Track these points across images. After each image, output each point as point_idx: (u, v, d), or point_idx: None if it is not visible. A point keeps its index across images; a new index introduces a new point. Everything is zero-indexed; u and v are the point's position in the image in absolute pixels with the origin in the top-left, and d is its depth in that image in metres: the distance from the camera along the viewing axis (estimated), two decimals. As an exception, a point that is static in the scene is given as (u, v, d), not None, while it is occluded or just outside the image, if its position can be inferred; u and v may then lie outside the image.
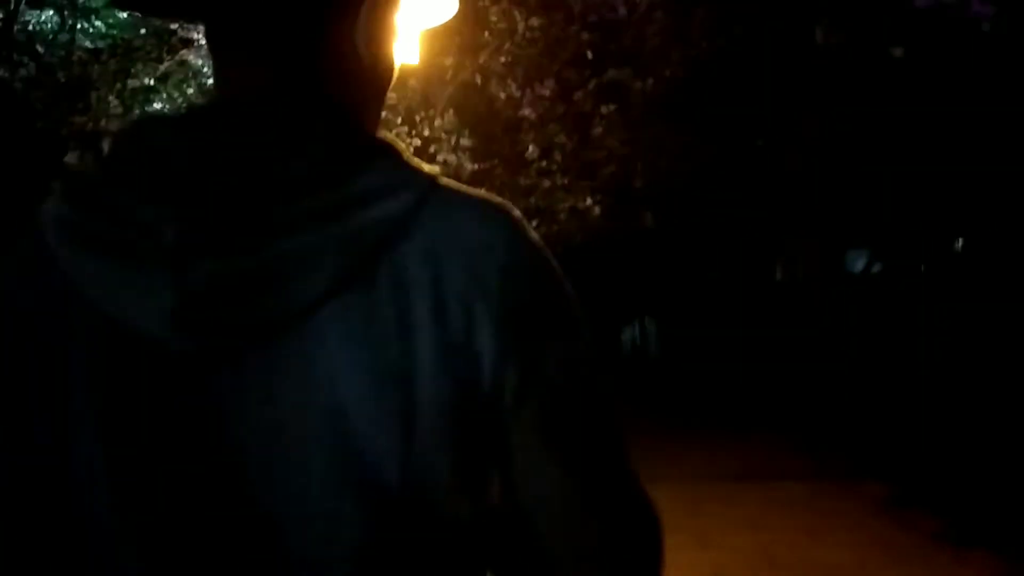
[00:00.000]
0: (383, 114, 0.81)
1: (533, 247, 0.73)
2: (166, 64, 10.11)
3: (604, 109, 10.59)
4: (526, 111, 10.49)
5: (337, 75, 0.73)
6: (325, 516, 0.64)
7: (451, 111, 10.40)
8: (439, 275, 0.65)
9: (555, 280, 0.73)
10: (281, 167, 0.64)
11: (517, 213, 0.73)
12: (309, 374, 0.63)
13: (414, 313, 0.64)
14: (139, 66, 10.08)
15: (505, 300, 0.67)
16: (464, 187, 0.73)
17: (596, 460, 0.76)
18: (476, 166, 10.19)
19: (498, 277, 0.67)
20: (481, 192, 0.74)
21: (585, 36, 10.74)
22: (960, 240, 16.83)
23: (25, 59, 10.30)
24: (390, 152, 0.70)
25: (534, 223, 11.09)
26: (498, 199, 0.74)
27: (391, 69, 0.78)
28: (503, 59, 10.28)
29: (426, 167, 0.71)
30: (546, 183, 10.22)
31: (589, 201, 10.71)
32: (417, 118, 10.32)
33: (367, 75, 0.75)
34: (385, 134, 0.74)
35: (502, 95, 10.45)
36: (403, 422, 0.64)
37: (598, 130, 10.72)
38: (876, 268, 19.17)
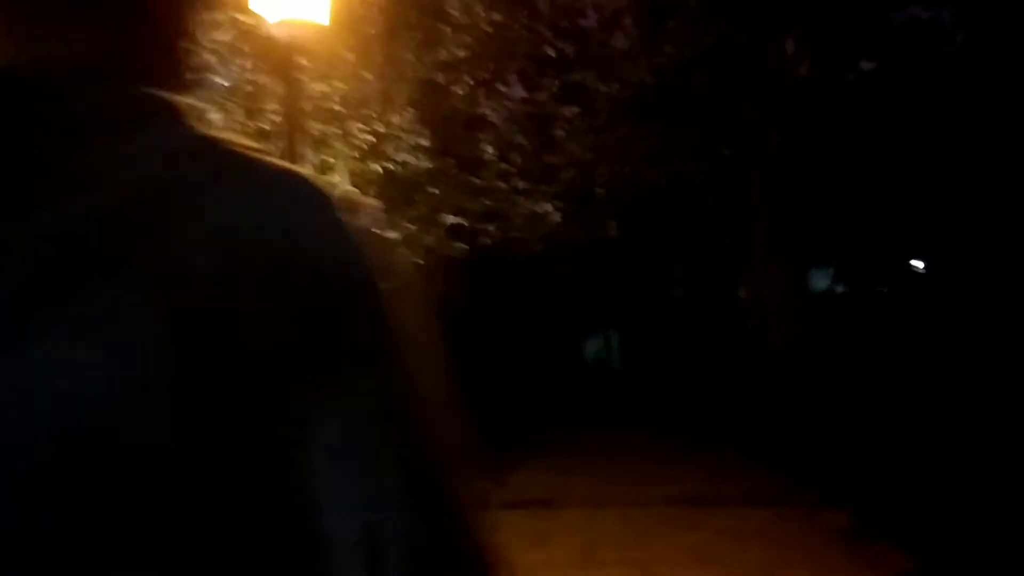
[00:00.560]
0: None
1: (351, 239, 0.53)
2: None
3: (567, 112, 10.04)
4: (485, 110, 9.86)
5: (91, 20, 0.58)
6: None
7: (409, 108, 9.76)
8: (212, 268, 0.49)
9: (374, 284, 0.53)
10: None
11: (336, 191, 0.54)
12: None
13: (162, 320, 0.48)
14: None
15: (298, 307, 0.50)
16: (269, 157, 0.55)
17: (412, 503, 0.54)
18: (431, 165, 9.55)
19: (293, 275, 0.50)
20: (286, 164, 0.55)
21: (549, 35, 10.18)
22: (921, 262, 16.51)
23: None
24: (164, 113, 0.55)
25: (490, 227, 10.49)
26: (309, 173, 0.55)
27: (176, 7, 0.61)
28: (463, 55, 9.65)
29: (215, 132, 0.55)
30: (502, 185, 9.60)
31: (548, 206, 10.12)
32: (373, 114, 9.67)
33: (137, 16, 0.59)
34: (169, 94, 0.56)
35: (461, 92, 9.81)
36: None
37: (560, 133, 10.16)
38: (839, 288, 18.82)
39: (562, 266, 18.83)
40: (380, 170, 9.90)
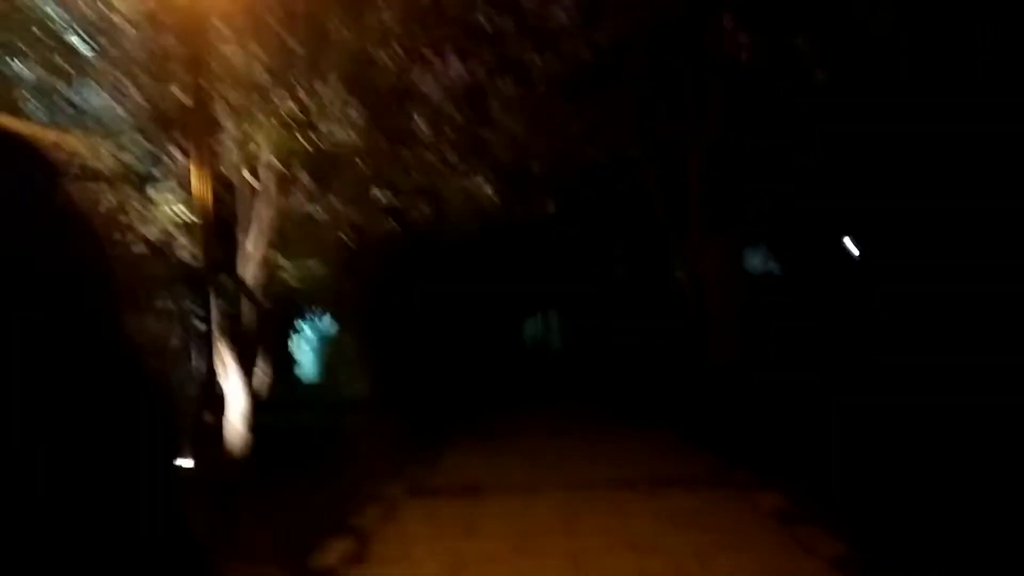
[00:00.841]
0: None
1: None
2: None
3: (502, 86, 9.66)
4: (417, 82, 9.39)
5: None
6: None
7: (337, 78, 9.23)
8: None
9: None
10: None
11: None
12: None
13: None
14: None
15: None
16: None
17: None
18: (360, 139, 9.06)
19: None
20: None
21: (485, 7, 9.74)
22: (850, 240, 16.61)
23: None
24: None
25: (422, 205, 10.05)
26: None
27: None
28: (394, 23, 9.15)
29: None
30: (435, 160, 9.16)
31: (483, 183, 9.74)
32: (298, 84, 9.12)
33: None
34: None
35: (392, 63, 9.31)
36: None
37: (495, 108, 9.78)
38: (773, 267, 18.87)
39: (501, 246, 18.49)
40: (305, 143, 9.37)
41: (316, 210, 10.95)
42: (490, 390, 18.97)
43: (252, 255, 10.56)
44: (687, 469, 8.36)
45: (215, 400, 5.14)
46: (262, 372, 10.91)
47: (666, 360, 16.46)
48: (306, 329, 21.94)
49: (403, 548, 5.68)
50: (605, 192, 14.63)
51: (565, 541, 5.67)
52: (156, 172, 11.29)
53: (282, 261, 11.42)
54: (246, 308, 10.74)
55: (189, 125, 5.39)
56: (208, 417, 5.07)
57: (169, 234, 10.94)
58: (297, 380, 21.64)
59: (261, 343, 10.83)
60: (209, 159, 10.05)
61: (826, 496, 6.42)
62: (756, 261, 17.57)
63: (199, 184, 5.14)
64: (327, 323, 22.26)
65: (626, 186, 14.17)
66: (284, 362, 21.31)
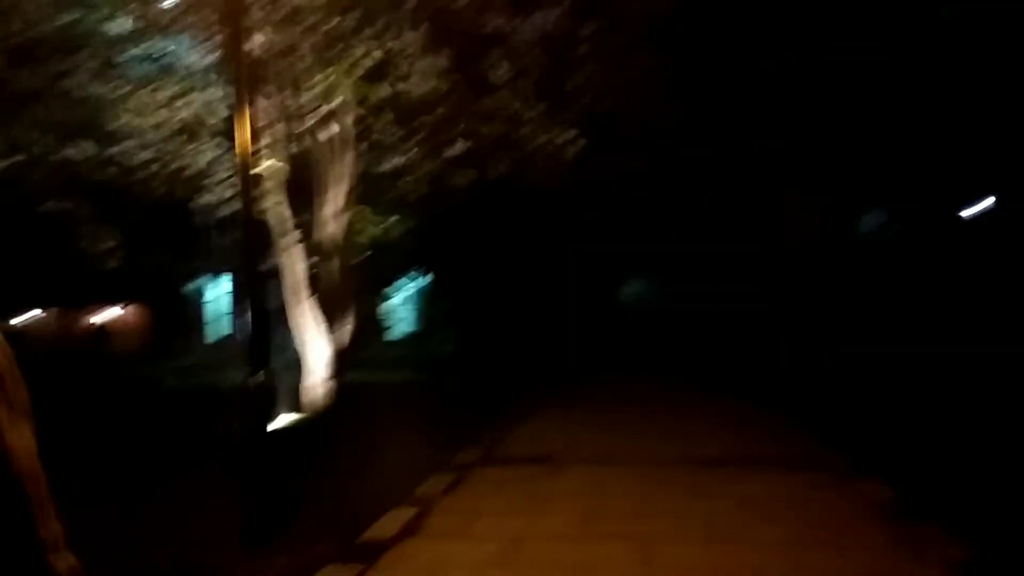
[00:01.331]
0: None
1: None
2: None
3: (585, 29, 8.92)
4: (499, 28, 8.81)
5: None
6: None
7: (418, 26, 8.78)
8: None
9: None
10: None
11: None
12: None
13: None
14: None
15: None
16: None
17: None
18: (440, 87, 8.60)
19: None
20: None
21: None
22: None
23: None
24: None
25: (502, 156, 9.52)
26: None
27: None
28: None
29: None
30: (517, 109, 8.58)
31: (569, 134, 9.11)
32: (379, 33, 8.72)
33: None
34: None
35: (473, 9, 8.77)
36: None
37: (582, 55, 9.08)
38: (893, 229, 17.41)
39: (595, 205, 17.76)
40: (385, 93, 8.99)
41: (397, 164, 10.63)
42: (581, 353, 18.46)
43: (332, 212, 10.38)
44: (781, 449, 7.63)
45: (261, 361, 4.83)
46: (345, 329, 10.79)
47: (768, 330, 15.50)
48: (400, 288, 21.99)
49: (464, 522, 5.29)
50: (703, 150, 13.69)
51: (637, 524, 5.13)
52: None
53: (365, 218, 11.19)
54: (328, 266, 10.59)
55: (232, 72, 5.02)
56: (253, 380, 4.77)
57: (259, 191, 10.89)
58: (391, 338, 21.77)
59: (343, 301, 10.68)
60: (282, 113, 9.89)
61: (942, 488, 5.62)
62: (871, 222, 16.18)
63: (241, 135, 4.76)
64: (421, 282, 22.24)
65: (723, 143, 13.21)
66: (378, 320, 21.45)
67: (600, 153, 10.07)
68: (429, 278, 21.92)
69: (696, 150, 13.73)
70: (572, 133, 9.18)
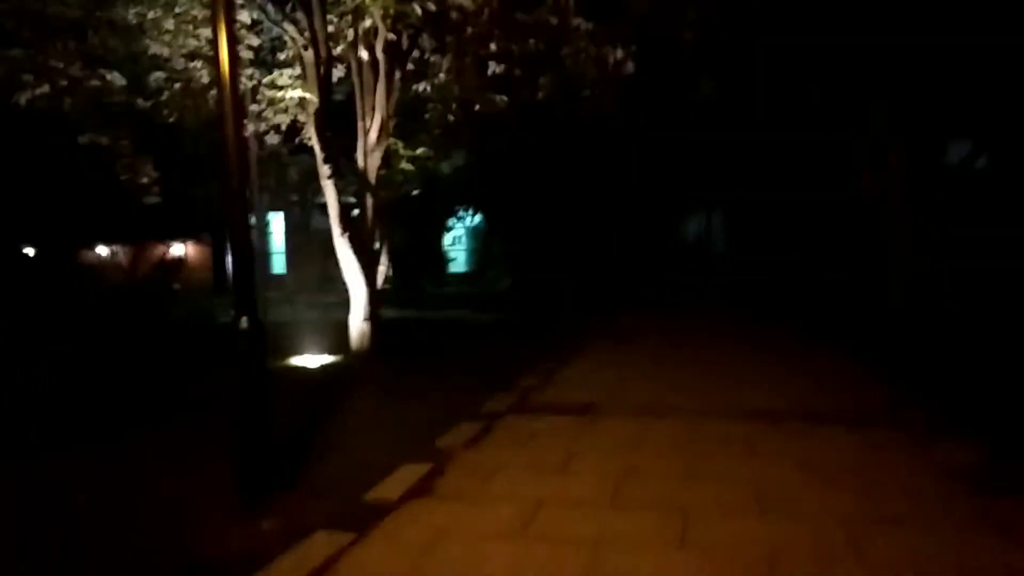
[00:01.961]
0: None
1: None
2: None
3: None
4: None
5: None
6: None
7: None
8: None
9: None
10: None
11: None
12: None
13: None
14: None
15: None
16: None
17: None
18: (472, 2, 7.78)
19: None
20: None
21: None
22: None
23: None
24: None
25: (541, 78, 8.68)
26: None
27: None
28: None
29: None
30: (558, 22, 7.71)
31: (620, 52, 8.20)
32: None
33: None
34: None
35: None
36: None
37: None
38: (980, 163, 15.89)
39: (655, 137, 16.68)
40: (419, 10, 8.22)
41: (433, 90, 9.89)
42: (638, 291, 17.68)
43: (365, 147, 9.78)
44: (852, 403, 6.81)
45: (246, 304, 4.29)
46: (380, 269, 10.28)
47: (845, 275, 14.40)
48: (456, 225, 21.46)
49: (480, 482, 4.74)
50: (772, 77, 12.45)
51: (678, 490, 4.49)
52: (281, 56, 10.62)
53: (398, 152, 10.54)
54: (363, 202, 10.04)
55: None
56: (244, 323, 4.25)
57: (297, 121, 10.34)
58: (446, 275, 21.37)
59: (378, 239, 10.15)
60: (323, 38, 9.23)
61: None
62: (959, 154, 14.70)
63: (221, 51, 4.12)
64: (474, 221, 21.66)
65: (796, 69, 11.94)
66: (435, 257, 21.01)
67: (661, 76, 9.11)
68: (481, 217, 21.31)
69: (767, 78, 12.53)
70: (624, 51, 8.25)
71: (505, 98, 8.06)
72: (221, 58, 4.18)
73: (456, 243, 22.59)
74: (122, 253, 24.12)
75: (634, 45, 8.47)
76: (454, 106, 8.86)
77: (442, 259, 21.10)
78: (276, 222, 23.68)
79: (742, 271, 20.14)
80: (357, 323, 9.77)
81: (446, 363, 9.23)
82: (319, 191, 10.17)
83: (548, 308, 15.93)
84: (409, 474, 4.80)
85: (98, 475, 4.93)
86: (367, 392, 7.53)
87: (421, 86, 8.99)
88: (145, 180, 11.19)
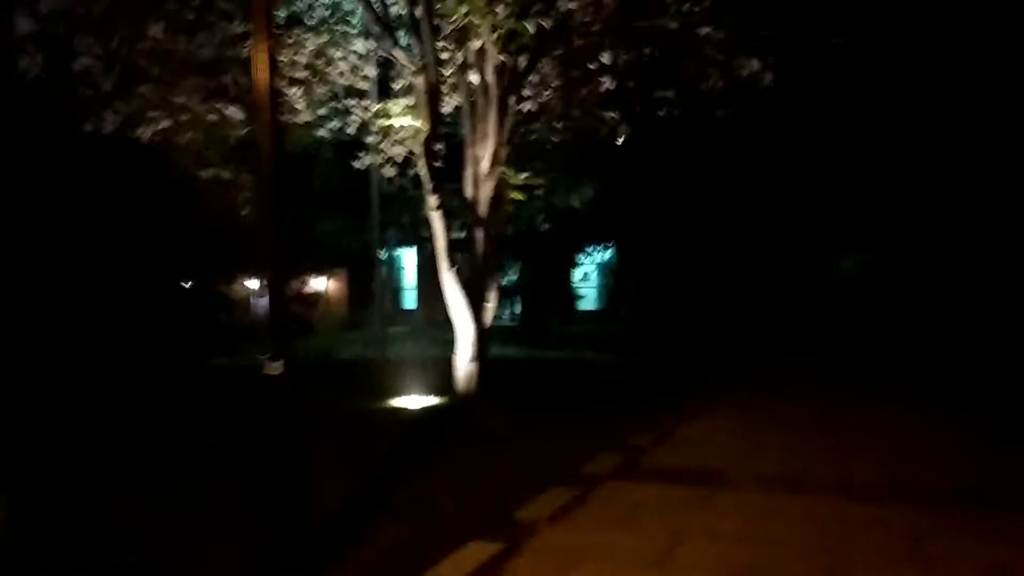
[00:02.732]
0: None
1: None
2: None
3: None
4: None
5: None
6: None
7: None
8: None
9: None
10: None
11: None
12: None
13: None
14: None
15: None
16: None
17: None
18: (588, 13, 7.02)
19: None
20: None
21: None
22: None
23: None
24: None
25: (666, 92, 7.71)
26: None
27: None
28: None
29: None
30: (681, 29, 6.76)
31: (755, 62, 7.14)
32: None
33: None
34: None
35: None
36: None
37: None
38: None
39: (809, 165, 15.15)
40: (530, 28, 7.57)
41: (555, 115, 9.17)
42: (784, 336, 16.02)
43: (475, 175, 9.18)
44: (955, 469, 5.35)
45: (282, 347, 3.64)
46: (488, 306, 9.58)
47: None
48: (587, 260, 20.56)
49: (558, 571, 3.83)
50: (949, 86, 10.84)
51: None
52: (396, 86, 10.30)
53: (516, 179, 9.86)
54: (473, 234, 9.42)
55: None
56: (272, 368, 3.60)
57: (412, 153, 9.93)
58: (575, 313, 20.45)
59: (488, 274, 9.47)
60: (433, 61, 8.78)
61: None
62: None
63: (259, 72, 3.58)
64: (605, 255, 20.69)
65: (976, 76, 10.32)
66: (562, 294, 20.16)
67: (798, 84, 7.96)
68: (612, 252, 20.30)
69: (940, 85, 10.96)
70: (760, 61, 7.20)
71: (615, 115, 7.19)
72: (258, 81, 3.64)
73: (586, 279, 21.71)
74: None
75: (772, 56, 7.38)
76: (560, 124, 8.08)
77: (571, 296, 20.22)
78: (409, 257, 23.76)
79: (909, 315, 17.89)
80: (464, 364, 9.09)
81: (553, 411, 8.34)
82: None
83: (679, 351, 14.69)
84: (471, 556, 3.95)
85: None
86: (460, 442, 6.77)
87: (526, 106, 8.28)
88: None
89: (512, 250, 18.85)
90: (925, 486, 5.33)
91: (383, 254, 22.71)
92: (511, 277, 21.90)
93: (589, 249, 19.53)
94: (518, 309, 20.25)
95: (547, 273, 18.95)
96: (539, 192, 9.42)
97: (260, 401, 3.66)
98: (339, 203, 16.89)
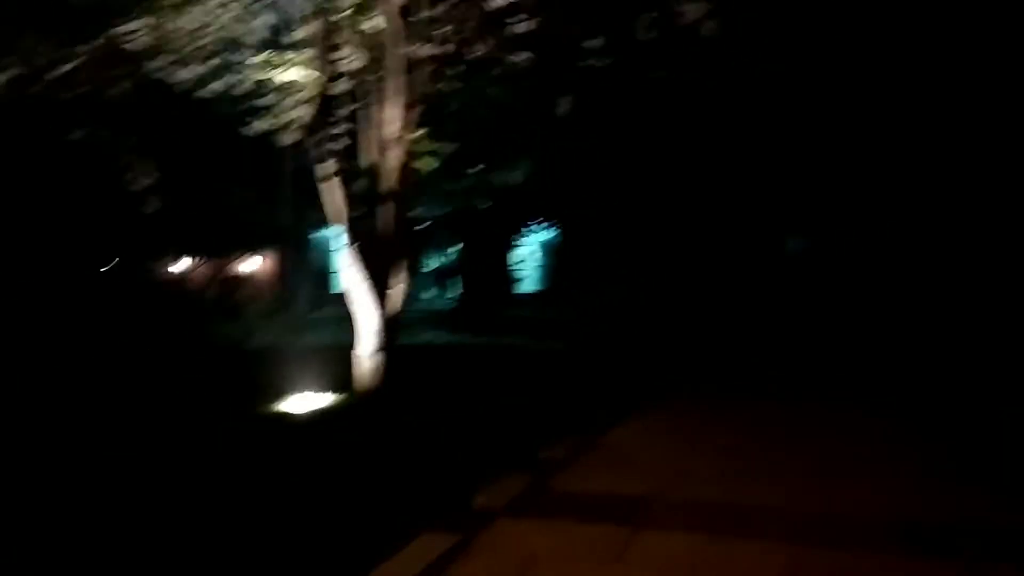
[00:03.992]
0: None
1: None
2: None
3: None
4: None
5: None
6: None
7: None
8: None
9: None
10: None
11: None
12: None
13: None
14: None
15: None
16: None
17: None
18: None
19: None
20: None
21: None
22: None
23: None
24: None
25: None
26: None
27: None
28: None
29: None
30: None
31: (697, 8, 5.87)
32: None
33: None
34: None
35: None
36: None
37: None
38: None
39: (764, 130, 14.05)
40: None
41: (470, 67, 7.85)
42: (737, 326, 14.86)
43: (379, 138, 7.80)
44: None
45: None
46: (396, 290, 8.26)
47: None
48: (522, 241, 19.27)
49: None
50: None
51: None
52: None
53: (432, 146, 8.51)
54: (380, 209, 8.06)
55: None
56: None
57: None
58: (513, 296, 19.14)
59: (396, 254, 8.13)
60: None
61: None
62: None
63: None
64: (546, 235, 19.44)
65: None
66: (500, 276, 18.83)
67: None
68: (555, 231, 19.06)
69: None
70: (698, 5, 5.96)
71: (527, 57, 5.93)
72: None
73: (528, 260, 20.46)
74: (205, 266, 23.12)
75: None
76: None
77: (510, 278, 18.93)
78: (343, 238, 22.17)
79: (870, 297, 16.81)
80: (365, 356, 7.78)
81: (463, 412, 7.03)
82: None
83: (621, 336, 13.56)
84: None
85: None
86: (334, 457, 5.43)
87: (435, 52, 6.96)
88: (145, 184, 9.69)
89: (450, 230, 17.53)
90: (918, 518, 4.18)
91: (313, 234, 21.14)
92: (449, 258, 20.59)
93: (531, 228, 18.26)
94: (459, 292, 19.00)
95: (485, 254, 17.66)
96: (471, 170, 8.09)
97: None
98: (255, 178, 15.26)
